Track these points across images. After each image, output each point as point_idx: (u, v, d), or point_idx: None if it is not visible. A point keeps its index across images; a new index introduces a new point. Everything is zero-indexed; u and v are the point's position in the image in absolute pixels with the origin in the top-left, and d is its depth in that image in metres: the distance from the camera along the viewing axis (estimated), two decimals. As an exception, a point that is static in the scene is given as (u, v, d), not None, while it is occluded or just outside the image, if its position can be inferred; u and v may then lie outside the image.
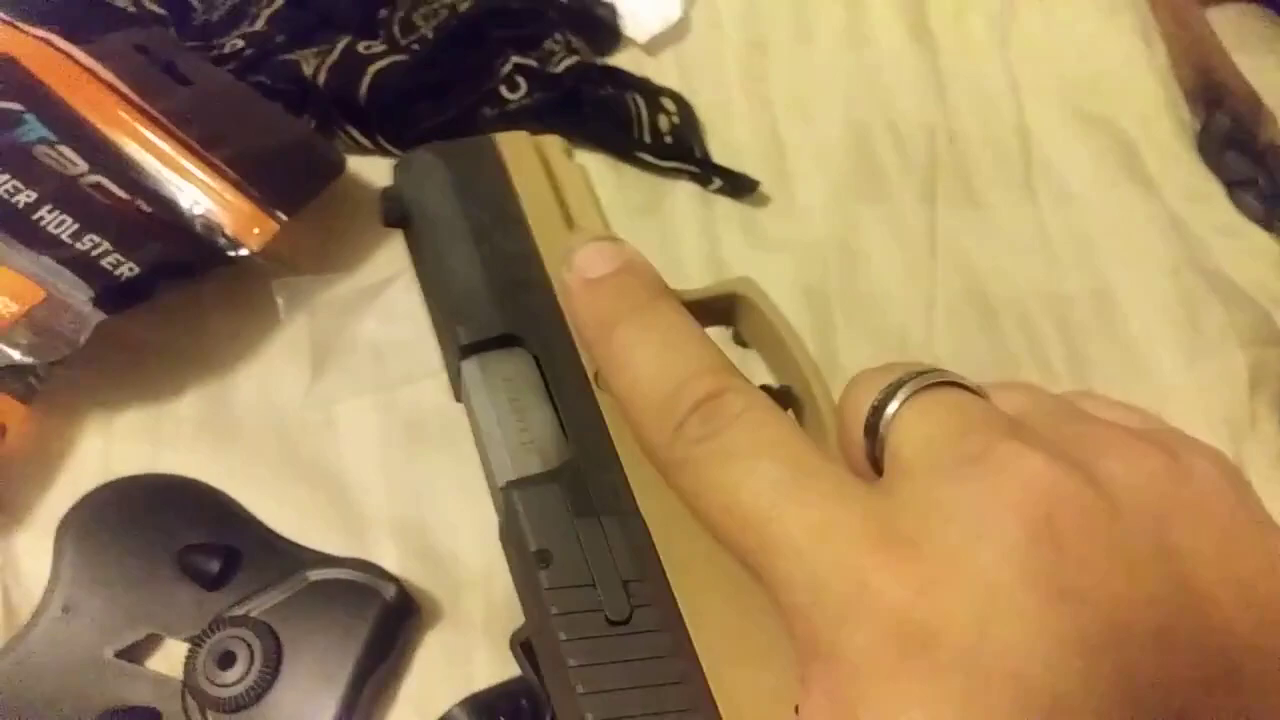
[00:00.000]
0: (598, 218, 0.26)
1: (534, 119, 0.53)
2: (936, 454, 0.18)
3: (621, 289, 0.22)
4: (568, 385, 0.22)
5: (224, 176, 0.45)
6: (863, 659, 0.16)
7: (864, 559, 0.17)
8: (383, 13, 0.56)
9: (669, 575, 0.20)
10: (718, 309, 0.26)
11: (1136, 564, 0.16)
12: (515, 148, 0.27)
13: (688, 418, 0.19)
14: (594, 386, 0.23)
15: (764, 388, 0.22)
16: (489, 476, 0.23)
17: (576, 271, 0.22)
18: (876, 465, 0.20)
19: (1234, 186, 0.57)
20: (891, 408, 0.19)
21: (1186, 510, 0.17)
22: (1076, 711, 0.15)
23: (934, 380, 0.20)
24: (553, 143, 0.28)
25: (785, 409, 0.22)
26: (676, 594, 0.19)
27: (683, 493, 0.20)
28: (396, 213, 0.27)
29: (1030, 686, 0.15)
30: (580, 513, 0.20)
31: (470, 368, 0.23)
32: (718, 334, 0.25)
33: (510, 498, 0.21)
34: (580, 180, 0.27)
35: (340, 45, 0.52)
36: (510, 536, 0.21)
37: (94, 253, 0.42)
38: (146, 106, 0.46)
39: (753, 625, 0.19)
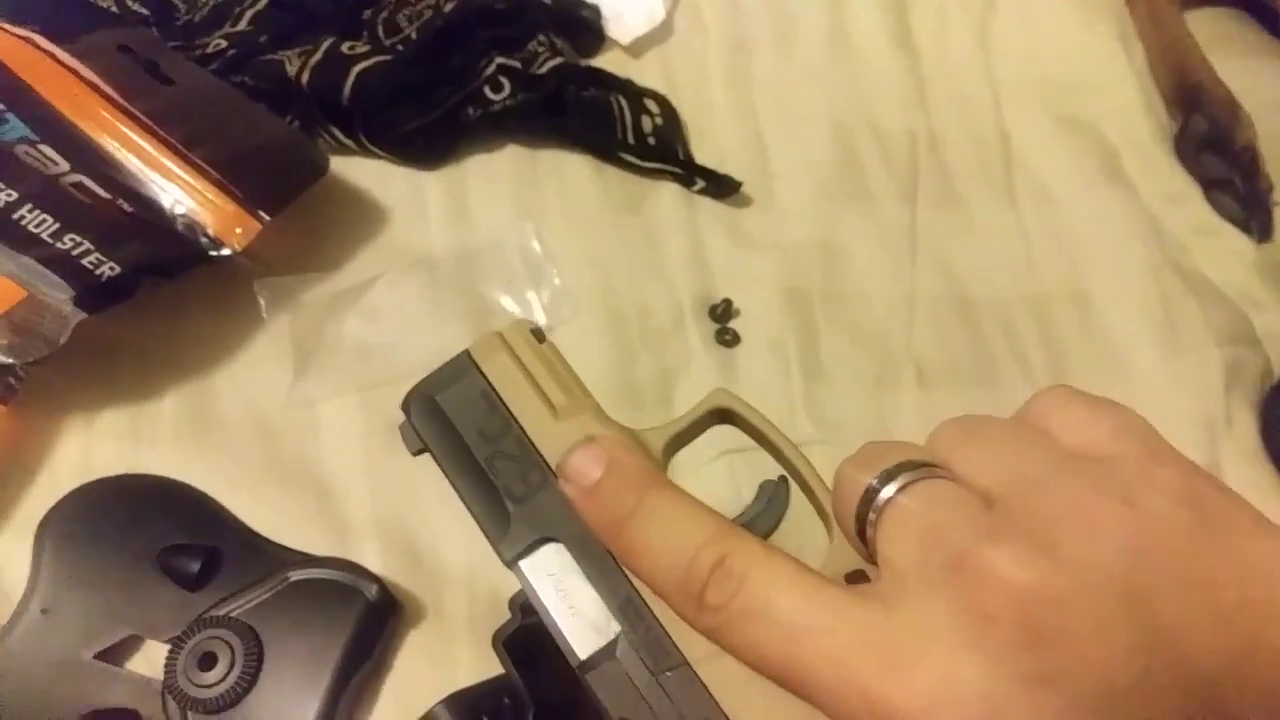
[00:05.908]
0: (577, 390, 0.28)
1: (517, 120, 0.54)
2: (922, 563, 0.20)
3: (614, 492, 0.24)
4: (597, 563, 0.25)
5: (206, 176, 0.45)
6: None
7: (871, 678, 0.19)
8: (366, 13, 0.56)
9: (721, 705, 0.23)
10: (706, 422, 0.28)
11: (1108, 626, 0.18)
12: (487, 353, 0.28)
13: (704, 591, 0.22)
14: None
15: (765, 482, 0.27)
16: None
17: (573, 482, 0.25)
18: (872, 557, 0.22)
19: (1211, 188, 0.58)
20: (873, 515, 0.22)
21: (1146, 555, 0.19)
22: None
23: (906, 480, 0.22)
24: (517, 331, 0.28)
25: (787, 496, 0.26)
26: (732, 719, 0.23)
27: (724, 648, 0.22)
28: (415, 446, 0.28)
29: None
30: (640, 676, 0.24)
31: (520, 574, 0.26)
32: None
33: (585, 680, 0.24)
34: (551, 361, 0.28)
35: (324, 45, 0.52)
36: (594, 709, 0.24)
37: (75, 252, 0.41)
38: (129, 106, 0.46)
39: None
